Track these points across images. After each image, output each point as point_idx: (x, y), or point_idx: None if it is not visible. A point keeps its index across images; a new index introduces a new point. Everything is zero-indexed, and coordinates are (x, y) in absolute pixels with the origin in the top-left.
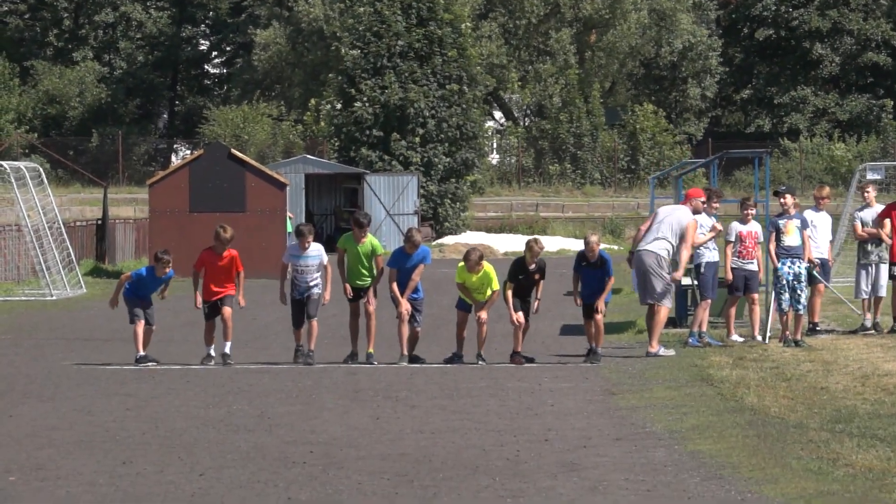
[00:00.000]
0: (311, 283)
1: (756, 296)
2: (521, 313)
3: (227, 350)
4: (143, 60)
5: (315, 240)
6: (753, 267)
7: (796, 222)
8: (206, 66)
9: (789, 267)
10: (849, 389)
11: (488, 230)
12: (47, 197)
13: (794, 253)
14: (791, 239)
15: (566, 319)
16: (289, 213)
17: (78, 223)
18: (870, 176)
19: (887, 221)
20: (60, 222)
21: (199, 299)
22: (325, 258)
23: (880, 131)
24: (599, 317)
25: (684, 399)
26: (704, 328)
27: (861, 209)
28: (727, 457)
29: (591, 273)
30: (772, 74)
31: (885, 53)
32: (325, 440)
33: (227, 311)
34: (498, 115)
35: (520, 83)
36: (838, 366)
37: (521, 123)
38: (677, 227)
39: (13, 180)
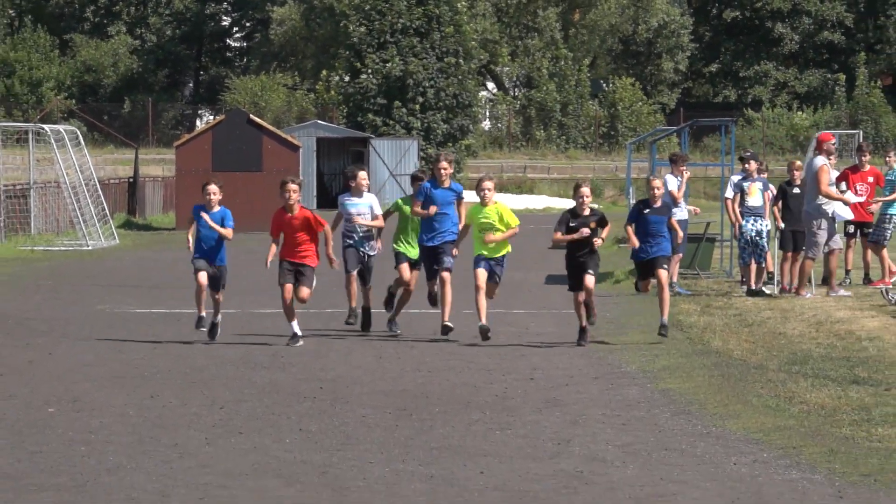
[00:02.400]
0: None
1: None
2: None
3: (297, 330)
4: (170, 34)
5: (323, 197)
6: (761, 225)
7: (759, 185)
8: (227, 40)
9: (752, 224)
10: (804, 335)
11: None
12: (84, 157)
13: (756, 212)
14: (754, 200)
15: (550, 270)
16: (301, 176)
17: (111, 181)
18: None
19: (843, 184)
20: (96, 180)
21: (271, 255)
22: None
23: (834, 102)
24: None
25: (656, 343)
26: (675, 279)
27: None
28: (694, 394)
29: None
30: (737, 51)
31: (840, 33)
32: (332, 377)
33: (304, 292)
34: (490, 85)
35: (510, 57)
36: (795, 314)
37: (511, 93)
38: (810, 178)
39: (53, 142)
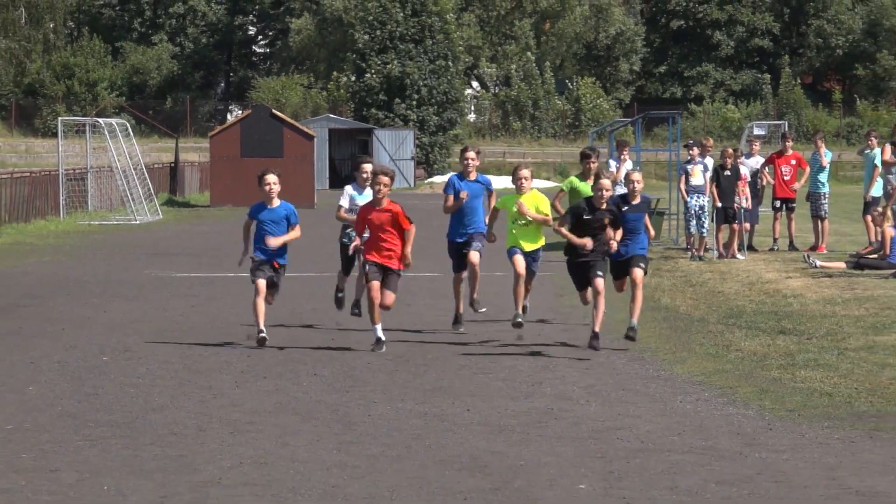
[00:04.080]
0: None
1: (737, 225)
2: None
3: (381, 334)
4: (205, 42)
5: (335, 179)
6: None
7: (700, 167)
8: (253, 47)
9: (695, 200)
10: (739, 293)
11: None
12: (132, 146)
13: (698, 190)
14: (696, 179)
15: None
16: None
17: (156, 165)
18: (756, 131)
19: (769, 167)
20: (142, 165)
21: (352, 247)
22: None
23: (763, 98)
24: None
25: (614, 300)
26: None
27: (747, 157)
28: (647, 343)
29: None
30: (682, 54)
31: (768, 39)
32: (343, 330)
33: (389, 298)
34: (475, 84)
35: (491, 60)
36: (731, 275)
37: (492, 91)
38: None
39: (107, 133)
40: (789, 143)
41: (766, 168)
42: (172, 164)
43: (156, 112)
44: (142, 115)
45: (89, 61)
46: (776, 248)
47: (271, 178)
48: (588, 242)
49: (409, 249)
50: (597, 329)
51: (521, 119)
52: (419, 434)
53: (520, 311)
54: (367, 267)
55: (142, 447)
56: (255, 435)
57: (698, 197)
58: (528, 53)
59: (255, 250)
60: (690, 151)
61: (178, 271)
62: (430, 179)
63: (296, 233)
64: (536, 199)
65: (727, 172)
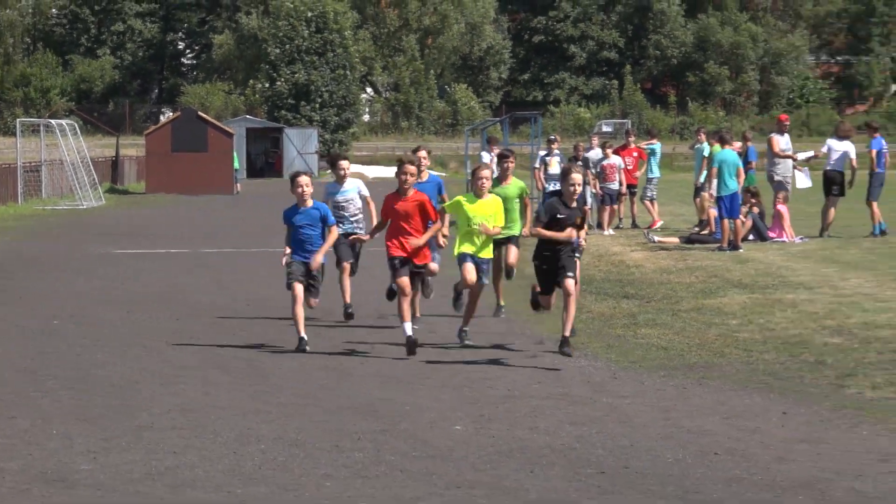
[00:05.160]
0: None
1: (615, 206)
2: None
3: (410, 332)
4: (141, 55)
5: (251, 170)
6: (615, 186)
7: (557, 158)
8: (182, 59)
9: (553, 187)
10: (589, 264)
11: (363, 163)
12: (80, 143)
13: (556, 178)
14: (553, 169)
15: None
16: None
17: (100, 159)
18: (604, 129)
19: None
20: (88, 159)
21: (368, 237)
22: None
23: (610, 101)
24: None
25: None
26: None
27: (587, 150)
28: (513, 307)
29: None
30: (543, 64)
31: (614, 51)
32: (260, 298)
33: (428, 290)
34: (369, 89)
35: (383, 69)
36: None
37: (383, 95)
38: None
39: (58, 132)
40: (631, 139)
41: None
42: (114, 158)
43: (100, 114)
44: (88, 116)
45: (43, 71)
46: (621, 226)
47: (304, 179)
48: (573, 234)
49: (425, 240)
50: (567, 334)
51: (408, 119)
52: (323, 384)
53: (467, 328)
54: (395, 263)
55: (87, 398)
56: (182, 386)
57: (555, 184)
58: (415, 63)
59: (293, 254)
60: (552, 146)
61: (119, 248)
62: (330, 170)
63: (333, 236)
64: (495, 206)
65: (579, 163)
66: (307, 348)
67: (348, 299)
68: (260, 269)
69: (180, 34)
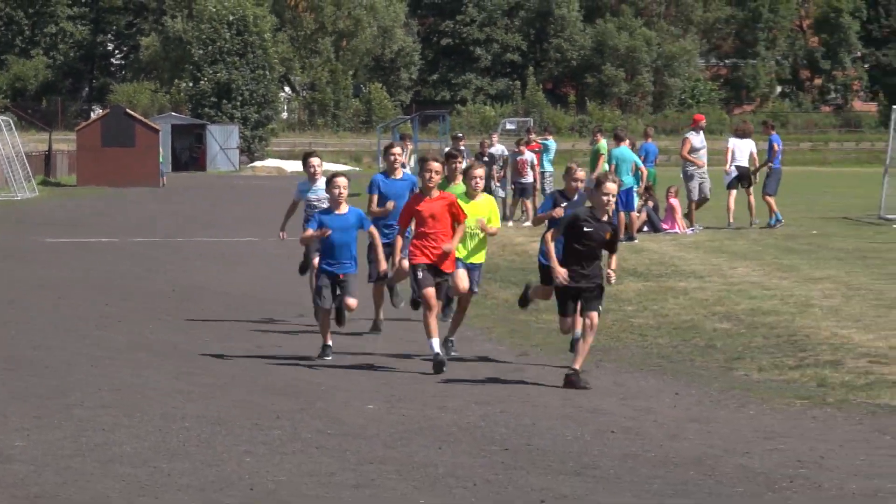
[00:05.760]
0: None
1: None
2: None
3: (437, 349)
4: (73, 55)
5: (175, 164)
6: (527, 181)
7: (465, 153)
8: (111, 59)
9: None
10: (495, 253)
11: (281, 158)
12: (15, 138)
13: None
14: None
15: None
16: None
17: (34, 153)
18: (508, 126)
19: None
20: (23, 153)
21: (399, 261)
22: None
23: (513, 100)
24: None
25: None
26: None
27: (490, 147)
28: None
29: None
30: (450, 65)
31: (518, 54)
32: (186, 283)
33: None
34: (287, 89)
35: (301, 70)
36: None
37: (301, 94)
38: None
39: None
40: (532, 136)
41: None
42: (47, 153)
43: (34, 111)
44: (22, 113)
45: None
46: (524, 217)
47: (342, 181)
48: (563, 275)
49: (456, 242)
50: (577, 367)
51: (323, 116)
52: (244, 366)
53: (453, 338)
54: (419, 273)
55: (21, 378)
56: (111, 368)
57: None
58: (330, 64)
59: (321, 263)
60: (460, 143)
61: (53, 237)
62: (251, 164)
63: (377, 238)
64: (490, 207)
65: (485, 158)
66: (329, 357)
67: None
68: (186, 257)
69: (109, 36)
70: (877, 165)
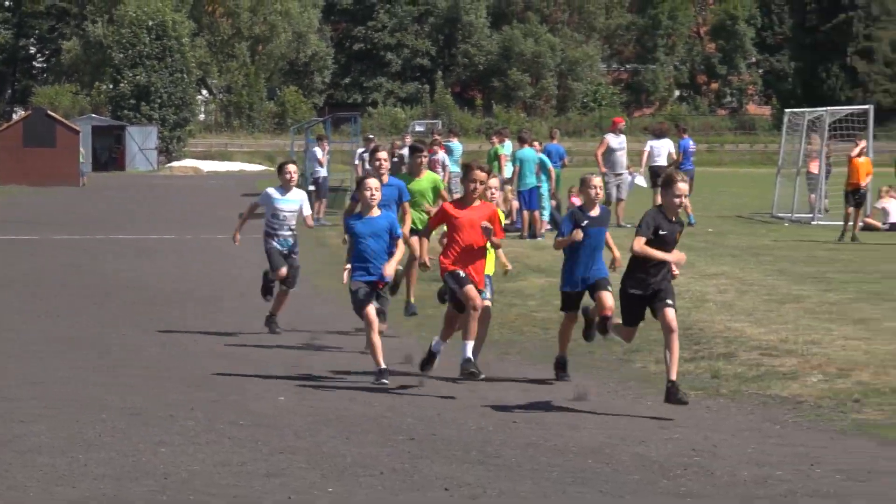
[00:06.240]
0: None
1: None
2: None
3: (469, 353)
4: None
5: (96, 164)
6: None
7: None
8: (33, 62)
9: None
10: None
11: (198, 158)
12: None
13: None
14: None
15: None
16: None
17: None
18: (417, 129)
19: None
20: None
21: (425, 254)
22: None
23: (422, 103)
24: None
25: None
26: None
27: (403, 148)
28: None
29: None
30: (362, 70)
31: (427, 59)
32: (132, 280)
33: (479, 306)
34: (204, 91)
35: (218, 73)
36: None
37: (217, 96)
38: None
39: None
40: (437, 138)
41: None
42: None
43: None
44: None
45: None
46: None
47: (373, 182)
48: (682, 257)
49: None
50: (674, 377)
51: (239, 118)
52: (160, 359)
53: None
54: (461, 277)
55: None
56: (32, 360)
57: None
58: (246, 68)
59: (356, 272)
60: (371, 145)
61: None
62: (169, 164)
63: (401, 249)
64: (499, 214)
65: (395, 159)
66: (386, 381)
67: (278, 311)
68: (107, 253)
69: (32, 40)
70: (770, 166)
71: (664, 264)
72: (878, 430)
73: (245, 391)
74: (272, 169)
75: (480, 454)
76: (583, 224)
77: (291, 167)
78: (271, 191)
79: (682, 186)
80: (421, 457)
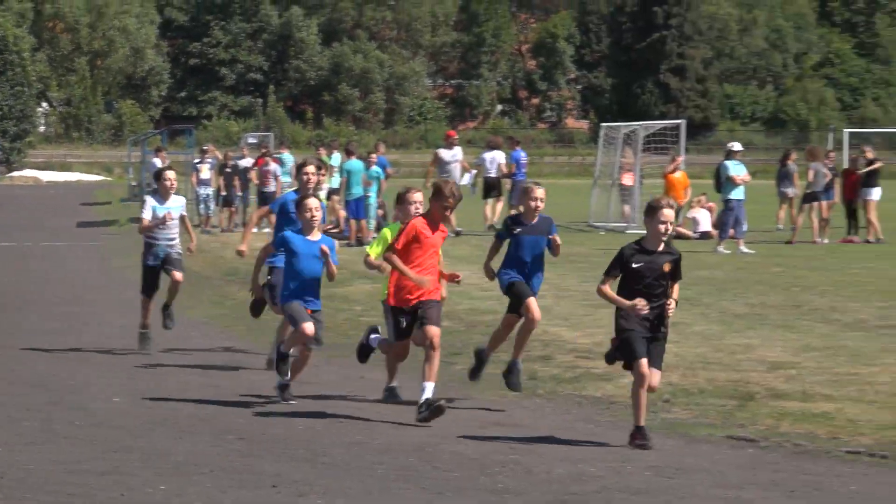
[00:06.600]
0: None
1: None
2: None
3: (430, 394)
4: None
5: None
6: (271, 189)
7: (208, 165)
8: None
9: (203, 190)
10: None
11: (38, 168)
12: None
13: (205, 182)
14: (204, 174)
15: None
16: None
17: None
18: (250, 141)
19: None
20: None
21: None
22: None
23: (255, 116)
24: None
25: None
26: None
27: (238, 158)
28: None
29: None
30: (197, 84)
31: (260, 74)
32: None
33: (432, 331)
34: (45, 104)
35: (58, 87)
36: (230, 244)
37: (57, 109)
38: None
39: None
40: (266, 150)
41: (254, 168)
42: None
43: None
44: None
45: None
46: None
47: (312, 203)
48: (641, 305)
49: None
50: (642, 423)
51: (78, 130)
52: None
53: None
54: (395, 315)
55: None
56: None
57: (205, 187)
58: (85, 82)
59: (293, 293)
60: (204, 155)
61: None
62: (9, 174)
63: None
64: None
65: (228, 170)
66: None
67: (147, 319)
68: None
69: None
70: (587, 177)
71: (658, 299)
72: (686, 429)
73: (82, 392)
74: (109, 179)
75: (308, 452)
76: (515, 232)
77: (170, 174)
78: (149, 199)
79: (668, 213)
80: (250, 455)
